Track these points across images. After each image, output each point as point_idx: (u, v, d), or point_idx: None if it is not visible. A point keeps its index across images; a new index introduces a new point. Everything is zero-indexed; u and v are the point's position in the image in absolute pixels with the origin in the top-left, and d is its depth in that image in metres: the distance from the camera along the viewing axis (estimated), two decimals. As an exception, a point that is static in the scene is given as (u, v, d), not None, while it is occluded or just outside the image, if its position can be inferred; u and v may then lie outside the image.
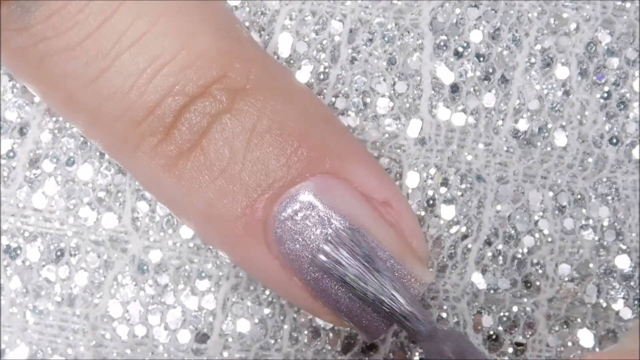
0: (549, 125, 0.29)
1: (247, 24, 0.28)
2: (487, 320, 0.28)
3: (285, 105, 0.25)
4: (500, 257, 0.28)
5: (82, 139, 0.28)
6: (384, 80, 0.28)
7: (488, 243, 0.28)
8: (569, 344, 0.28)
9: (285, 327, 0.28)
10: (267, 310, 0.28)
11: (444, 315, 0.28)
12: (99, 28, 0.23)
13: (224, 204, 0.24)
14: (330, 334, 0.28)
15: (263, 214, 0.24)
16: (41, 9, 0.23)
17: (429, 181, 0.29)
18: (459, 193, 0.28)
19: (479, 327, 0.28)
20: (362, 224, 0.25)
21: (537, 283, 0.28)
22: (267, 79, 0.25)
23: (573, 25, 0.29)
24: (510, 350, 0.28)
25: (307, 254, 0.25)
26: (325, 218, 0.24)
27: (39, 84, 0.25)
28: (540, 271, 0.28)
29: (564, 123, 0.29)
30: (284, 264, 0.25)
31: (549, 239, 0.28)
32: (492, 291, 0.28)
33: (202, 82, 0.24)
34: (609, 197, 0.29)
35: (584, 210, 0.29)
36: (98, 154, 0.28)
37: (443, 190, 0.28)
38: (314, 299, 0.25)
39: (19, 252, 0.28)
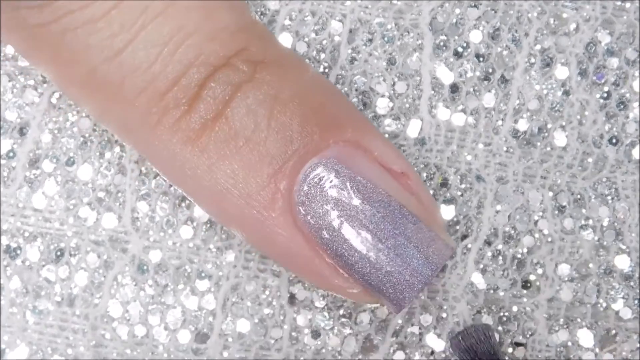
0: (549, 125, 0.29)
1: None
2: (487, 321, 0.28)
3: (304, 75, 0.25)
4: (500, 257, 0.28)
5: (82, 139, 0.28)
6: (384, 80, 0.28)
7: (488, 243, 0.28)
8: (569, 344, 0.28)
9: (285, 327, 0.28)
10: (267, 310, 0.28)
11: (444, 315, 0.28)
12: (124, 0, 0.23)
13: (249, 173, 0.24)
14: (330, 334, 0.28)
15: (288, 183, 0.24)
16: None
17: (429, 181, 0.29)
18: (459, 193, 0.28)
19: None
20: (386, 189, 0.25)
21: (537, 283, 0.28)
22: (283, 55, 0.25)
23: (573, 26, 0.29)
24: (510, 350, 0.28)
25: (331, 221, 0.24)
26: (351, 183, 0.24)
27: (58, 61, 0.25)
28: (540, 271, 0.28)
29: (563, 123, 0.29)
30: (308, 235, 0.25)
31: (549, 239, 0.28)
32: (492, 291, 0.28)
33: (224, 54, 0.24)
34: (609, 197, 0.29)
35: (583, 210, 0.29)
36: (98, 154, 0.28)
37: (443, 190, 0.28)
38: (339, 273, 0.25)
39: (19, 252, 0.28)
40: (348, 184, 0.24)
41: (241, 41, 0.25)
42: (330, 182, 0.24)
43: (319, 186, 0.24)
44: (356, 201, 0.24)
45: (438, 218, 0.26)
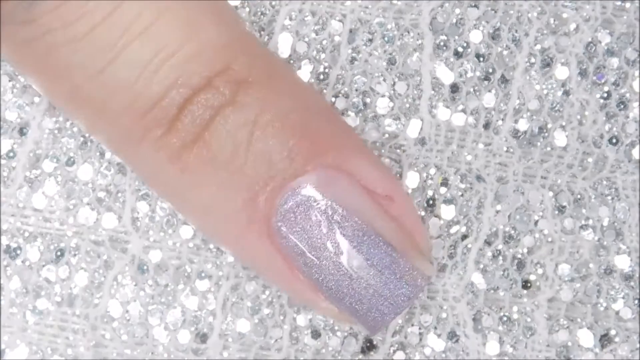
0: (549, 125, 0.29)
1: (247, 24, 0.28)
2: (487, 320, 0.28)
3: (288, 97, 0.25)
4: (501, 257, 0.28)
5: (82, 139, 0.28)
6: (384, 80, 0.28)
7: (488, 243, 0.28)
8: (569, 344, 0.28)
9: (285, 327, 0.28)
10: (267, 310, 0.28)
11: (444, 315, 0.28)
12: (106, 19, 0.23)
13: (227, 197, 0.24)
14: (330, 334, 0.28)
15: (265, 207, 0.25)
16: (48, 0, 0.23)
17: (429, 181, 0.29)
18: (459, 193, 0.28)
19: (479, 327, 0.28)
20: (365, 217, 0.25)
21: (537, 283, 0.28)
22: (270, 72, 0.25)
23: (573, 26, 0.29)
24: (511, 350, 0.28)
25: (306, 248, 0.25)
26: (328, 211, 0.24)
27: (44, 77, 0.25)
28: (540, 271, 0.28)
29: (563, 123, 0.29)
30: (286, 258, 0.25)
31: (549, 239, 0.28)
32: (492, 291, 0.28)
33: (206, 74, 0.24)
34: (609, 197, 0.29)
35: (584, 210, 0.29)
36: (98, 154, 0.28)
37: (443, 190, 0.28)
38: (316, 294, 0.25)
39: (19, 252, 0.28)
40: (324, 211, 0.25)
41: (225, 59, 0.24)
42: (307, 209, 0.24)
43: (295, 213, 0.24)
44: (331, 230, 0.25)
45: (421, 243, 0.26)
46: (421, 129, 0.28)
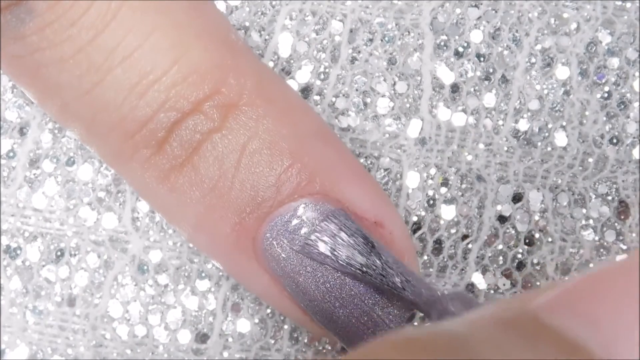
0: (550, 125, 0.29)
1: (247, 24, 0.28)
2: (487, 320, 0.28)
3: (278, 122, 0.25)
4: (501, 257, 0.28)
5: (82, 138, 0.28)
6: (384, 80, 0.28)
7: (488, 243, 0.28)
8: (569, 344, 0.28)
9: (285, 327, 0.28)
10: (267, 310, 0.28)
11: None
12: (91, 42, 0.23)
13: (214, 219, 0.25)
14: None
15: (252, 232, 0.25)
16: (35, 20, 0.23)
17: (429, 181, 0.28)
18: (460, 193, 0.28)
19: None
20: None
21: (537, 283, 0.28)
22: (261, 94, 0.25)
23: (573, 25, 0.29)
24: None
25: (292, 275, 0.25)
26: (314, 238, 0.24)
27: (35, 91, 0.25)
28: (540, 271, 0.28)
29: (564, 123, 0.29)
30: (274, 279, 0.25)
31: (549, 239, 0.28)
32: (492, 291, 0.28)
33: (194, 99, 0.24)
34: (609, 197, 0.29)
35: (584, 210, 0.29)
36: (98, 154, 0.28)
37: (443, 190, 0.28)
38: (304, 312, 0.25)
39: (19, 252, 0.28)
40: (310, 239, 0.24)
41: (214, 83, 0.24)
42: (293, 236, 0.24)
43: (280, 239, 0.24)
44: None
45: (410, 267, 0.26)
46: (421, 128, 0.28)
